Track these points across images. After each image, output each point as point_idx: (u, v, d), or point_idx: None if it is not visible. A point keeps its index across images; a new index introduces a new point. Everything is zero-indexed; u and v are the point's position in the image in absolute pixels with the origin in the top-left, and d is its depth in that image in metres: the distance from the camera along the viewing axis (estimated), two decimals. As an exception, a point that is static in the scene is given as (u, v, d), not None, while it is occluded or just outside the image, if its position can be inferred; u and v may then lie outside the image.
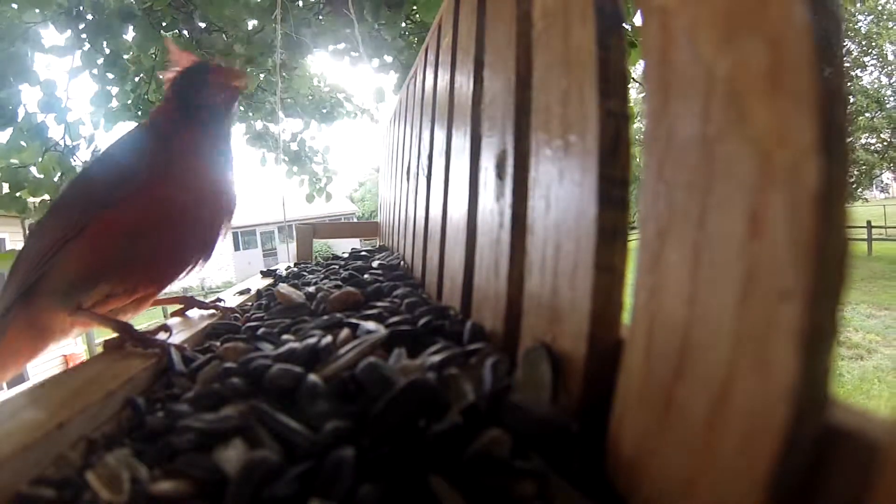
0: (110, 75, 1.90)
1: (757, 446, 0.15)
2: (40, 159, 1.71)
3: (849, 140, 0.15)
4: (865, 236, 8.54)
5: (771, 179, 0.16)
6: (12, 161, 1.69)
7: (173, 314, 0.66)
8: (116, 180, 0.51)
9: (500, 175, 0.39)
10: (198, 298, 0.68)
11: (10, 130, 1.73)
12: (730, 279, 0.17)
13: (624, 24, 0.26)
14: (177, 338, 0.52)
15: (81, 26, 1.78)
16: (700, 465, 0.18)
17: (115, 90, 2.08)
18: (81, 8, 1.75)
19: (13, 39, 1.72)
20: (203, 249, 0.57)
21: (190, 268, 0.57)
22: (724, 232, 0.17)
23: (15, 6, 1.69)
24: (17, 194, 1.70)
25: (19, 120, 1.75)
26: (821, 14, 0.15)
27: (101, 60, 1.87)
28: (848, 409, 0.15)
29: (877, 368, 3.46)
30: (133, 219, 0.50)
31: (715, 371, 0.17)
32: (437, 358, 0.31)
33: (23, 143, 1.72)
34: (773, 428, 0.15)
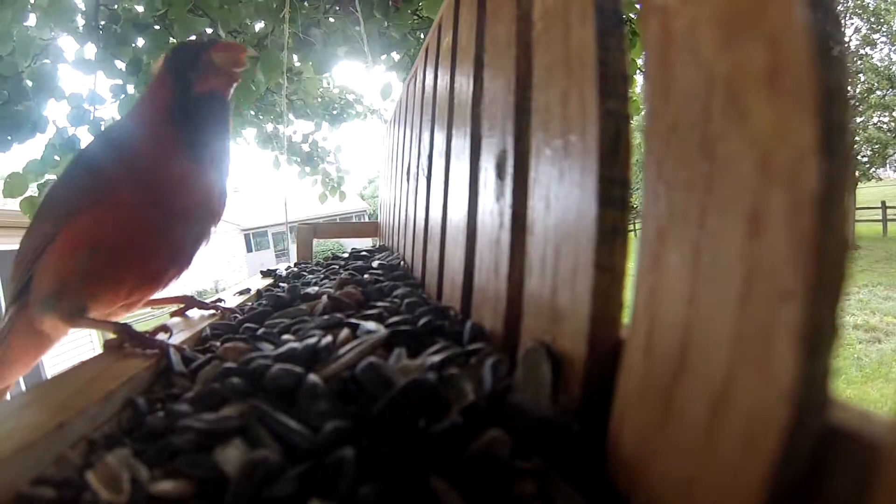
0: (131, 85, 1.88)
1: (757, 446, 0.15)
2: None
3: (849, 140, 0.15)
4: (880, 217, 8.27)
5: (771, 179, 0.16)
6: (49, 177, 1.67)
7: (173, 314, 0.66)
8: (86, 186, 0.49)
9: (500, 175, 0.39)
10: (198, 299, 0.68)
11: (42, 147, 1.71)
12: (730, 279, 0.17)
13: (624, 25, 0.26)
14: (177, 338, 0.52)
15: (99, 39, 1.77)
16: (700, 465, 0.18)
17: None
18: (96, 21, 1.74)
19: (34, 55, 1.71)
20: (181, 258, 0.54)
21: (168, 278, 0.55)
22: (724, 232, 0.17)
23: (34, 14, 1.67)
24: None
25: (46, 134, 1.74)
26: (821, 14, 0.15)
27: (122, 69, 1.84)
28: (848, 409, 0.15)
29: (895, 351, 3.38)
30: (98, 231, 0.48)
31: (715, 371, 0.17)
32: (437, 358, 0.31)
33: (56, 157, 1.71)
34: (773, 428, 0.15)
